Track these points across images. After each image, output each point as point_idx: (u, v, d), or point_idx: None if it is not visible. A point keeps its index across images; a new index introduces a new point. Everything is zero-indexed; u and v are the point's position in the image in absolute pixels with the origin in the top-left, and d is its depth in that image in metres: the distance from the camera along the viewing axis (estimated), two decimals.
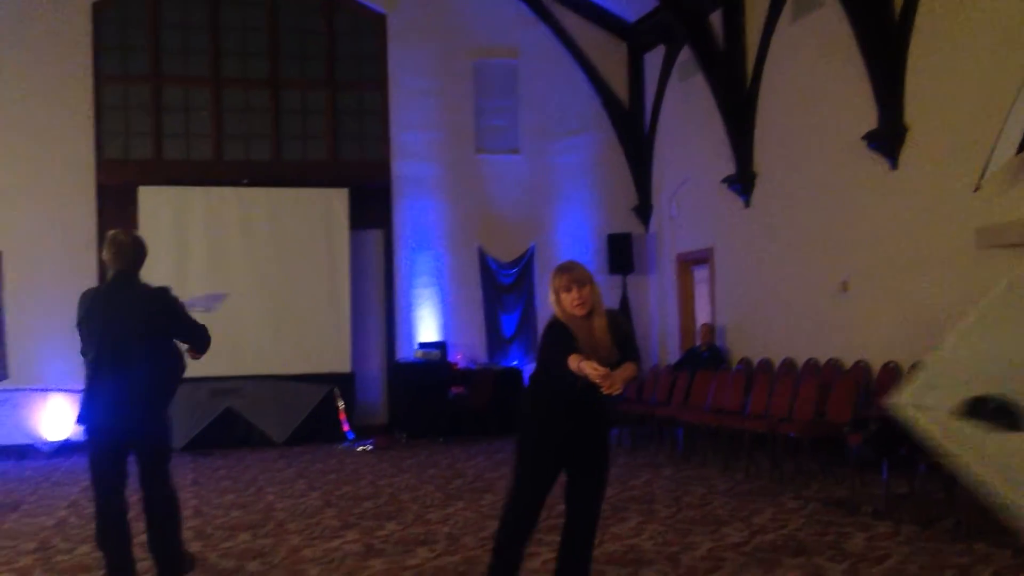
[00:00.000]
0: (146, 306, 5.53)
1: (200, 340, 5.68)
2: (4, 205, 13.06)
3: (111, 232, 5.65)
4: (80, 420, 5.47)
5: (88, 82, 13.49)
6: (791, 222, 11.79)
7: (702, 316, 13.99)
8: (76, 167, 13.38)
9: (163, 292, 5.63)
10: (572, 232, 14.96)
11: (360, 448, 12.58)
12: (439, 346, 14.03)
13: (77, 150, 13.39)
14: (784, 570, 5.85)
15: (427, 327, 14.44)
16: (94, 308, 5.49)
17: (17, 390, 12.92)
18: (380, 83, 14.55)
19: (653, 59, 14.90)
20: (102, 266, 13.28)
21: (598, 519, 4.96)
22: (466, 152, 14.75)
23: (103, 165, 13.55)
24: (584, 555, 4.95)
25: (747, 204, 12.64)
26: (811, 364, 11.10)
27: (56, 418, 12.95)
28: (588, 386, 4.50)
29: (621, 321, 4.93)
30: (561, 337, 4.70)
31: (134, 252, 5.60)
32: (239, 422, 13.20)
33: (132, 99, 13.80)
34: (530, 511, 4.81)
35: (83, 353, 5.54)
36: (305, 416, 13.38)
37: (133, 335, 5.41)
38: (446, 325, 14.52)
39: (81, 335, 5.54)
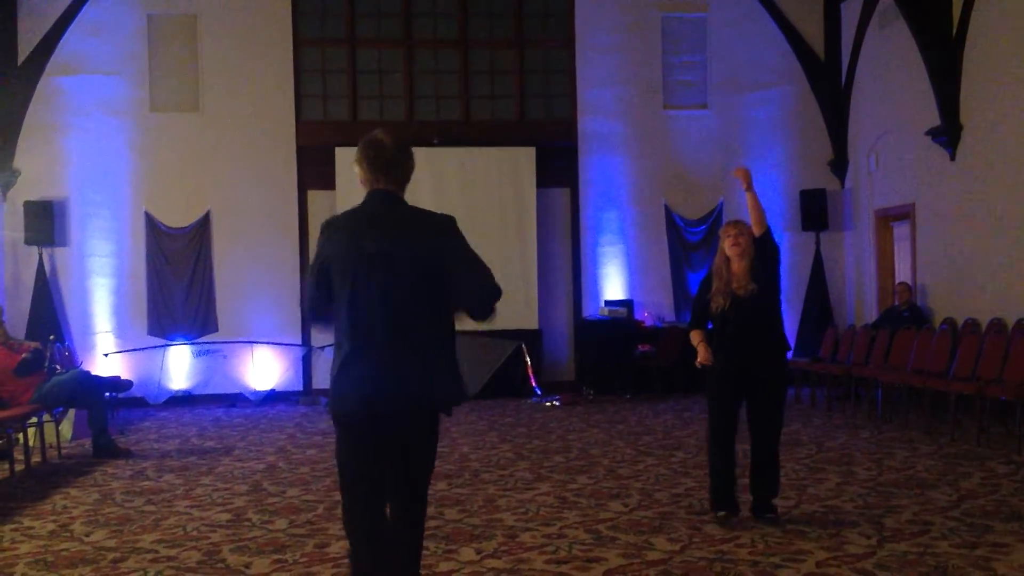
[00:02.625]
0: (426, 239, 3.81)
1: (490, 301, 3.84)
2: (212, 166, 13.75)
3: (369, 135, 3.95)
4: (334, 403, 3.84)
5: (288, 46, 13.99)
6: (1001, 176, 11.13)
7: (901, 274, 13.43)
8: (278, 128, 13.93)
9: (450, 223, 3.89)
10: (763, 188, 14.37)
11: (548, 403, 12.72)
12: (625, 304, 13.99)
13: (278, 112, 13.93)
14: (996, 536, 5.58)
15: (613, 285, 14.42)
16: (350, 242, 3.79)
17: (226, 342, 13.65)
18: (567, 40, 14.51)
19: (851, 8, 14.28)
20: (303, 222, 13.86)
21: (773, 437, 6.14)
22: (653, 108, 14.57)
23: (302, 126, 14.06)
24: (765, 462, 6.12)
25: (952, 157, 12.01)
26: (1023, 324, 10.50)
27: (262, 369, 13.62)
28: (732, 332, 6.02)
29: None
30: (698, 296, 6.29)
31: (401, 161, 3.89)
32: None
33: (329, 62, 14.24)
34: (720, 430, 6.04)
35: (314, 309, 3.92)
36: (494, 371, 13.62)
37: (409, 281, 3.76)
38: (632, 283, 14.46)
39: (316, 280, 3.85)
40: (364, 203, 3.90)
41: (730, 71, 14.61)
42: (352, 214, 3.93)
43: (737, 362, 6.01)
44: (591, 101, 14.49)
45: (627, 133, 14.53)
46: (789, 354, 6.46)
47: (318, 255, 3.89)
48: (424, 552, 5.55)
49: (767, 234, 6.09)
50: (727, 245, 6.06)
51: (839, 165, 14.61)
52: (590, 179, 14.48)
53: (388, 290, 3.73)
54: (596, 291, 14.41)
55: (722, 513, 6.00)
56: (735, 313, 6.03)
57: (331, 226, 3.92)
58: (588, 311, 14.30)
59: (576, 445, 9.32)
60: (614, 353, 13.52)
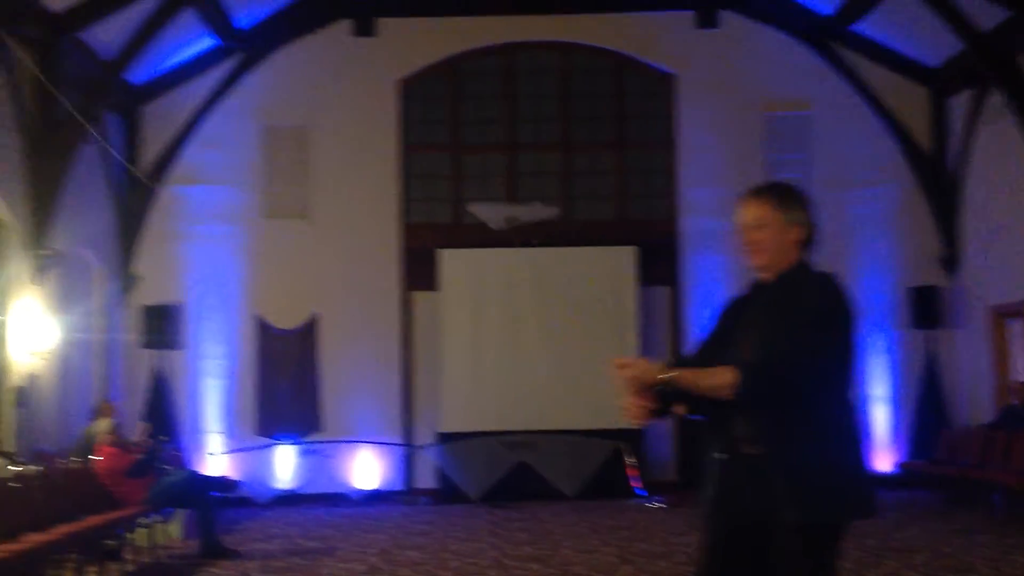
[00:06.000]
0: None
1: None
2: (320, 269, 14.11)
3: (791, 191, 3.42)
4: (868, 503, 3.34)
5: (394, 153, 14.41)
6: None
7: (1019, 372, 12.94)
8: (383, 232, 14.27)
9: None
10: (870, 284, 14.29)
11: (651, 505, 12.49)
12: None
13: (384, 216, 14.29)
14: None
15: None
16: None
17: (329, 442, 13.83)
18: (668, 141, 14.63)
19: (958, 103, 14.10)
20: (406, 325, 14.07)
21: None
22: None
23: (407, 229, 14.38)
24: None
25: None
26: None
27: (364, 468, 13.73)
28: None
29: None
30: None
31: None
32: (531, 475, 13.48)
33: (434, 167, 14.62)
34: None
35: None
36: (595, 471, 13.48)
37: None
38: None
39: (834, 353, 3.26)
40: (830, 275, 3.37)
41: (834, 168, 14.48)
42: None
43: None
44: (692, 200, 14.51)
45: (730, 231, 14.37)
46: None
47: (843, 336, 3.29)
48: None
49: None
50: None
51: (950, 261, 14.26)
52: (692, 277, 14.43)
53: None
54: None
55: None
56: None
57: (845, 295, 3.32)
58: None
59: (682, 550, 9.10)
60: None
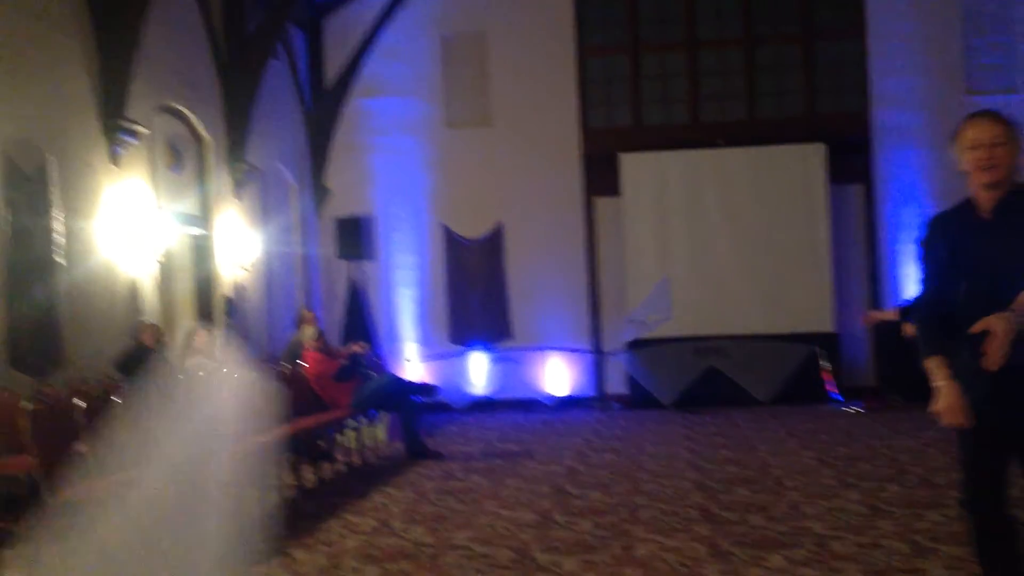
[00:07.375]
0: None
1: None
2: (502, 181, 14.17)
3: None
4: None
5: (571, 56, 14.22)
6: None
7: None
8: (562, 138, 14.17)
9: None
10: None
11: (850, 410, 12.21)
12: None
13: (564, 121, 14.17)
14: None
15: (913, 286, 13.65)
16: None
17: (520, 349, 14.05)
18: (858, 30, 13.90)
19: None
20: (590, 230, 14.05)
21: None
22: (954, 95, 13.66)
23: (587, 135, 14.24)
24: None
25: None
26: None
27: (555, 375, 13.92)
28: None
29: None
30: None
31: None
32: (722, 381, 13.35)
33: (612, 70, 14.37)
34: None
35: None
36: (788, 376, 13.24)
37: None
38: None
39: None
40: None
41: None
42: None
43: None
44: (885, 92, 13.81)
45: (926, 124, 13.70)
46: None
47: None
48: (731, 558, 5.49)
49: None
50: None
51: None
52: (887, 174, 13.80)
53: None
54: (895, 292, 13.70)
55: None
56: None
57: None
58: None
59: (884, 453, 8.88)
60: (919, 358, 12.75)
